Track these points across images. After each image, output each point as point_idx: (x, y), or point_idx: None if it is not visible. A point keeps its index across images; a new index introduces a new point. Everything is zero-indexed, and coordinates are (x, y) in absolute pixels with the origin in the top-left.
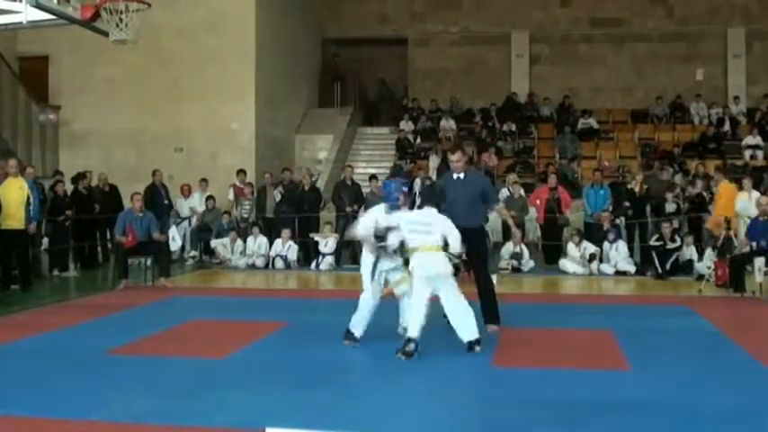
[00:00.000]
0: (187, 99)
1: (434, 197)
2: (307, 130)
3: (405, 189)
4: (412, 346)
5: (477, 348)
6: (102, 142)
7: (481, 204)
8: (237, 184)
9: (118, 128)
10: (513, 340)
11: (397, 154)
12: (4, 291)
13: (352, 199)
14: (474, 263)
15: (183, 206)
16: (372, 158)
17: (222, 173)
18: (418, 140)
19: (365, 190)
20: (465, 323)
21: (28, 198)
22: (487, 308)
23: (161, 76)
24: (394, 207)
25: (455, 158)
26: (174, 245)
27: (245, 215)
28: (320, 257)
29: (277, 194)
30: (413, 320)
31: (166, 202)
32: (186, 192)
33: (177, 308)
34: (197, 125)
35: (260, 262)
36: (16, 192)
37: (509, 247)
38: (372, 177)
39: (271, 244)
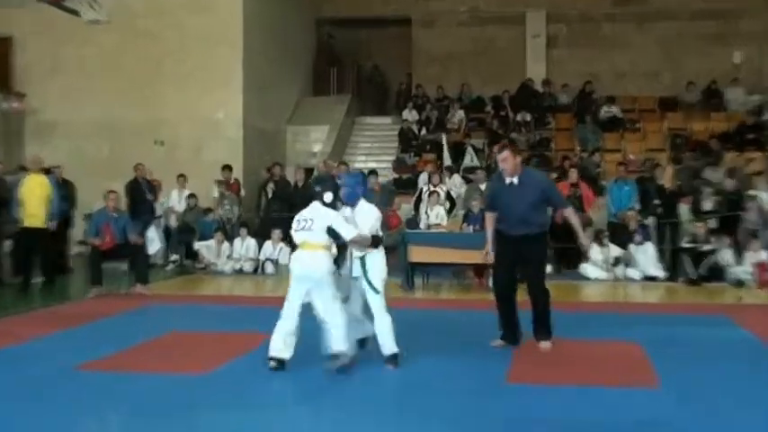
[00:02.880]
0: (168, 86)
1: (329, 187)
2: (299, 121)
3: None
4: (272, 363)
5: (331, 364)
6: (73, 134)
7: (543, 209)
8: (221, 180)
9: (90, 118)
10: (529, 353)
11: (400, 146)
12: (24, 290)
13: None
14: (528, 272)
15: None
16: (372, 151)
17: (207, 168)
18: (423, 131)
19: None
20: (333, 334)
21: (50, 195)
22: (538, 322)
23: (139, 61)
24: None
25: (501, 158)
26: (153, 247)
27: (229, 215)
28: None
29: (268, 192)
30: (278, 331)
31: (150, 198)
32: (160, 188)
33: (155, 318)
34: (179, 115)
35: (248, 266)
36: (37, 188)
37: None
38: (372, 172)
39: (260, 246)
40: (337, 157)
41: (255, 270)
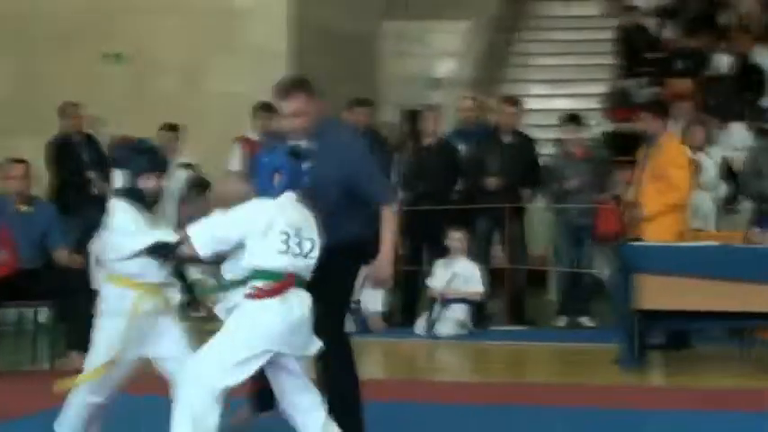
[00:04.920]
0: None
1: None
2: (408, 13)
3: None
4: None
5: None
6: None
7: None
8: (251, 136)
9: None
10: None
11: (622, 63)
12: None
13: (507, 173)
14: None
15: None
16: (563, 74)
17: (215, 111)
18: (667, 31)
19: (546, 152)
20: None
21: None
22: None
23: None
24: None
25: (285, 109)
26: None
27: None
28: (438, 308)
29: None
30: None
31: (96, 174)
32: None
33: (109, 423)
34: (153, 2)
35: None
36: None
37: None
38: (572, 119)
39: None
40: (487, 86)
41: None
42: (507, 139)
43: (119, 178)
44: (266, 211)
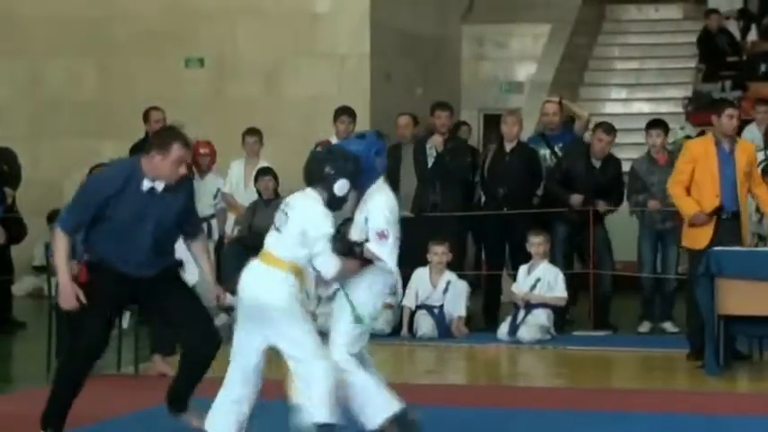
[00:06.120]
0: None
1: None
2: (487, 15)
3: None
4: None
5: None
6: (17, 45)
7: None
8: (332, 139)
9: (51, 14)
10: None
11: (704, 67)
12: None
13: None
14: None
15: (198, 190)
16: (644, 78)
17: (296, 114)
18: (751, 34)
19: (630, 157)
20: (308, 396)
21: None
22: None
23: None
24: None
25: (187, 158)
26: (188, 279)
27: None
28: (521, 313)
29: (429, 161)
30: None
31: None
32: (208, 158)
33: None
34: (235, 6)
35: (382, 323)
36: None
37: None
38: (654, 124)
39: (405, 280)
40: (570, 89)
41: (398, 328)
42: (598, 164)
43: (342, 186)
44: None
